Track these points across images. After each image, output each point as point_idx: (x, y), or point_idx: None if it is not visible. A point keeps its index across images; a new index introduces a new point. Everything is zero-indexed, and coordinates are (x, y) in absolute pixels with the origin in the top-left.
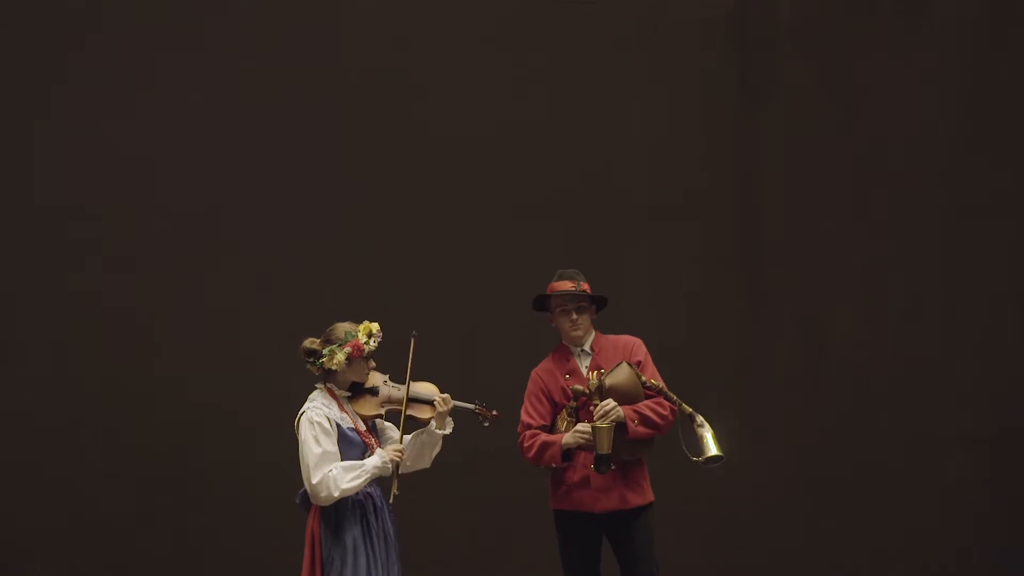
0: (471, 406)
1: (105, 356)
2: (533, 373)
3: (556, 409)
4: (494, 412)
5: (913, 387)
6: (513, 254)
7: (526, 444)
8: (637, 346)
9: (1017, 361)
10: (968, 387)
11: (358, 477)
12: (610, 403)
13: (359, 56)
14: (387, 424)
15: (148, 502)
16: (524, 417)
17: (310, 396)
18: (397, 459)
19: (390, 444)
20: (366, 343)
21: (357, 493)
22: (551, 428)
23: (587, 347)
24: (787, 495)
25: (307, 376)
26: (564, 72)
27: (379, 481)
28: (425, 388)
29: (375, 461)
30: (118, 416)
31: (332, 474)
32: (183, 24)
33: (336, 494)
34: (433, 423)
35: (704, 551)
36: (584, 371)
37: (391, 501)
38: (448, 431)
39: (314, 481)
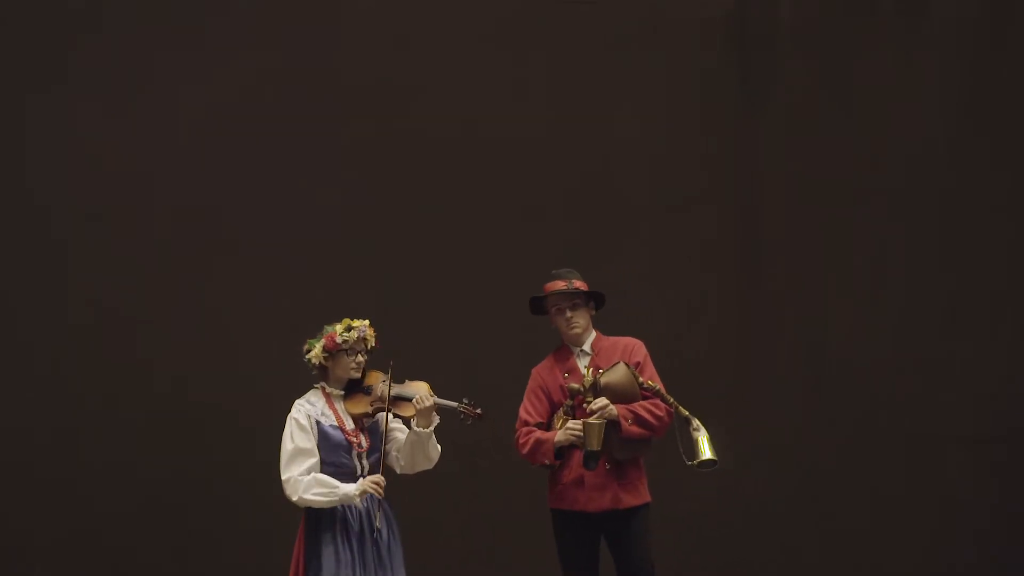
0: (454, 404)
1: (105, 356)
2: (533, 371)
3: (554, 407)
4: (478, 411)
5: (913, 387)
6: (512, 254)
7: (521, 441)
8: (637, 347)
9: (1017, 361)
10: (968, 387)
11: (323, 495)
12: (602, 400)
13: (359, 56)
14: (395, 425)
15: (148, 502)
16: (522, 414)
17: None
18: (372, 491)
19: (372, 475)
20: (341, 335)
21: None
22: (548, 427)
23: (587, 347)
24: (787, 495)
25: (307, 376)
26: (564, 72)
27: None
28: (413, 387)
29: (349, 490)
30: (118, 416)
31: (303, 480)
32: (183, 24)
33: (294, 498)
34: (413, 421)
35: (703, 551)
36: (583, 370)
37: (373, 534)
38: (430, 429)
39: (283, 477)
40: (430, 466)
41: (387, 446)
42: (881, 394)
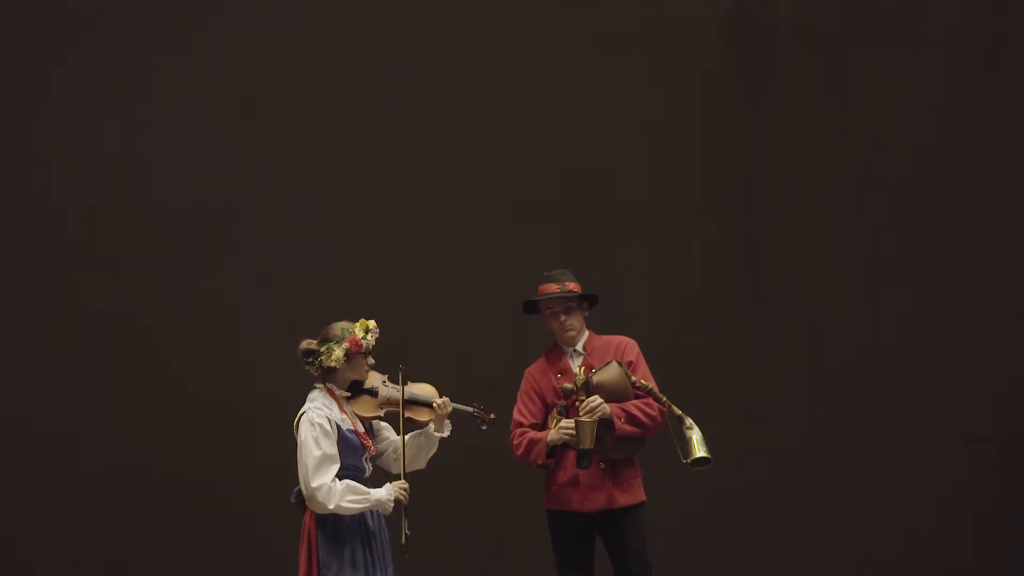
0: (469, 408)
1: (105, 356)
2: (526, 372)
3: (548, 408)
4: (492, 415)
5: (913, 387)
6: (512, 254)
7: (515, 442)
8: (629, 346)
9: (1017, 361)
10: (968, 387)
11: (358, 503)
12: (596, 399)
13: (359, 56)
14: (383, 424)
15: (148, 502)
16: (516, 415)
17: (309, 396)
18: (403, 498)
19: (396, 481)
20: (364, 338)
21: None
22: (542, 428)
23: (580, 347)
24: (787, 495)
25: (307, 376)
26: (564, 72)
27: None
28: (424, 390)
29: (381, 495)
30: (118, 416)
31: (336, 487)
32: (182, 24)
33: (331, 507)
34: (431, 426)
35: (703, 551)
36: (576, 371)
37: (403, 541)
38: (446, 434)
39: (313, 485)
40: (423, 467)
41: (380, 446)
42: (881, 394)
